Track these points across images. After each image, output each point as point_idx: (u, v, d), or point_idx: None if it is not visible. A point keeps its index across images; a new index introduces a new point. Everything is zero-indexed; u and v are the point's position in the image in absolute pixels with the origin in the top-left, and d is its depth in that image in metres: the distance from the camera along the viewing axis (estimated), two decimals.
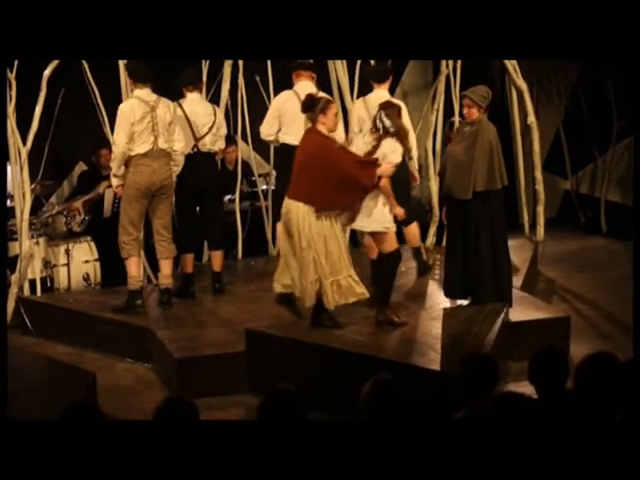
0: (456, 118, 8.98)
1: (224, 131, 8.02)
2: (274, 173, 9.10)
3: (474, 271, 7.12)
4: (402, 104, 7.35)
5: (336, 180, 6.46)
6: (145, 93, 7.48)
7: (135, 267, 7.61)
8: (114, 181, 7.59)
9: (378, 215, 6.69)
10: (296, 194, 6.56)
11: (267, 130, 7.98)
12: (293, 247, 6.64)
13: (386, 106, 6.84)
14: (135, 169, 7.44)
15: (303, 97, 7.78)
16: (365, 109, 7.80)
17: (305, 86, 7.92)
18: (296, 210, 6.53)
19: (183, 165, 7.73)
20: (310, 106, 6.68)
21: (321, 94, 7.56)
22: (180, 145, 7.61)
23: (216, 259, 8.02)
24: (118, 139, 7.37)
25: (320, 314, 6.71)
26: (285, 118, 7.89)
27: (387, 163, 6.61)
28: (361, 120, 7.78)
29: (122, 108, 7.44)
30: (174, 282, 7.94)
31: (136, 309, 7.57)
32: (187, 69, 7.88)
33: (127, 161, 7.46)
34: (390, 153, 6.67)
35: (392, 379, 3.91)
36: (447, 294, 7.35)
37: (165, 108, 7.51)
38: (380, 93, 7.84)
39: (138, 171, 7.43)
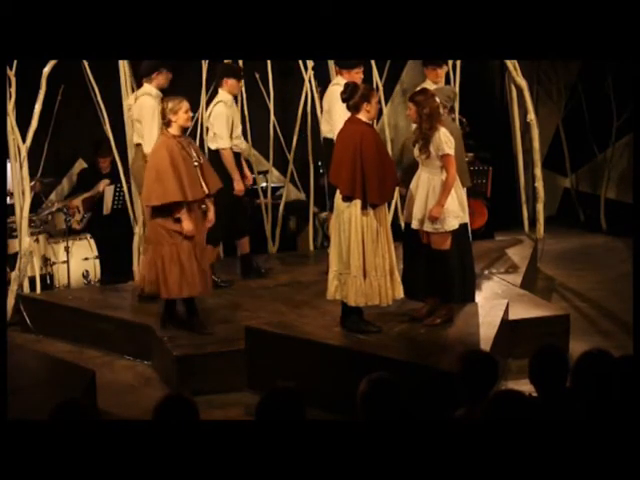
0: (456, 116, 8.96)
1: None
2: (275, 171, 9.09)
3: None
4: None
5: (382, 169, 6.24)
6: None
7: None
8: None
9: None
10: (343, 188, 6.29)
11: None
12: (339, 241, 6.36)
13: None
14: None
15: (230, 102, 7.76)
16: None
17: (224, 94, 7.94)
18: (344, 205, 6.29)
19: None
20: (352, 95, 6.29)
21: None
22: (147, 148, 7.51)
23: (243, 244, 8.18)
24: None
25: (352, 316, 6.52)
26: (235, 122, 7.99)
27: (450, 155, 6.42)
28: None
29: None
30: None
31: None
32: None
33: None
34: (446, 142, 6.46)
35: (388, 377, 3.89)
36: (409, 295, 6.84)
37: (136, 104, 7.65)
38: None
39: None
